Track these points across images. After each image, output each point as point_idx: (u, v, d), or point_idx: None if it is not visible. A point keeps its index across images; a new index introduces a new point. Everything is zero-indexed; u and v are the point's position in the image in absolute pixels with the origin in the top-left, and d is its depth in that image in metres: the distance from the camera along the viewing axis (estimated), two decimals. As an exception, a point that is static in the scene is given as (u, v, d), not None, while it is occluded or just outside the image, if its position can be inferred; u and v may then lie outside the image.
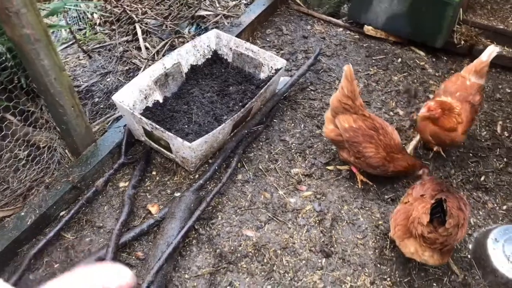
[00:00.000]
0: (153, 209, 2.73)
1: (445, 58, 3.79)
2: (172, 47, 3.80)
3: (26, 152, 2.81)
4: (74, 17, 4.06)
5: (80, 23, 4.13)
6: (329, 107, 2.76)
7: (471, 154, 3.00)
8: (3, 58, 2.47)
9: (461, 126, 2.64)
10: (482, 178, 2.84)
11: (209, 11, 4.24)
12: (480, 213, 2.67)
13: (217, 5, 4.38)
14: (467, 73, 2.82)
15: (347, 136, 2.63)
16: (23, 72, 2.56)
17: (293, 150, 3.07)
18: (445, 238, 2.02)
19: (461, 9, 3.68)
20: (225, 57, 3.57)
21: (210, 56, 3.56)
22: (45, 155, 2.83)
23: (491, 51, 2.78)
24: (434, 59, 3.78)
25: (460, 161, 2.96)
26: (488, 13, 3.85)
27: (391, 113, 3.28)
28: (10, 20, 2.08)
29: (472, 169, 2.91)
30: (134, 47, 3.84)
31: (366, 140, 2.59)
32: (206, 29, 3.98)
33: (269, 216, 2.65)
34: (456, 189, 2.79)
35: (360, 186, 2.79)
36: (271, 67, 3.36)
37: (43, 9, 2.97)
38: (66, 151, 2.93)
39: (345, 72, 2.57)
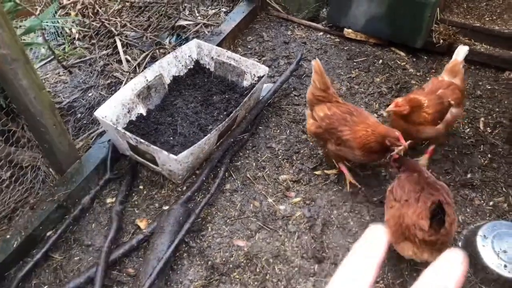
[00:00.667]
0: (142, 224, 2.69)
1: (425, 57, 3.84)
2: (154, 59, 3.78)
3: (8, 173, 2.75)
4: (52, 32, 4.01)
5: (58, 38, 4.08)
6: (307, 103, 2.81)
7: (456, 152, 3.03)
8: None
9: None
10: (468, 176, 2.88)
11: (188, 20, 4.22)
12: (468, 210, 2.70)
13: (197, 14, 4.37)
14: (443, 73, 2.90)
15: (324, 125, 2.65)
16: (1, 92, 2.52)
17: (280, 157, 3.07)
18: (445, 237, 2.05)
19: (438, 9, 3.73)
20: (207, 67, 3.57)
21: (192, 66, 3.55)
22: (28, 175, 2.78)
23: (458, 50, 2.90)
24: (414, 59, 3.82)
25: (445, 159, 2.99)
26: (465, 11, 3.91)
27: (375, 115, 3.30)
28: (-14, 41, 2.05)
29: (457, 166, 2.94)
30: (115, 60, 3.80)
31: (341, 124, 2.58)
32: (187, 39, 3.97)
33: (259, 225, 2.64)
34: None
35: (348, 190, 2.80)
36: (254, 74, 3.36)
37: (19, 27, 2.92)
38: (50, 169, 2.88)
39: (314, 66, 2.69)
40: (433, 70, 3.71)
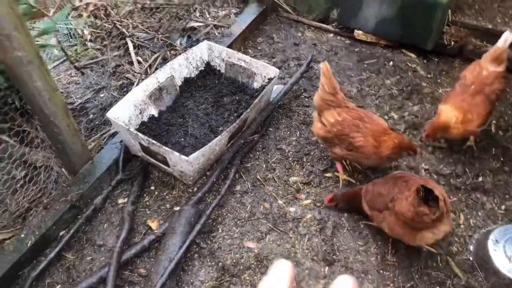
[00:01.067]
0: (153, 224, 2.72)
1: (436, 59, 3.82)
2: (165, 60, 3.81)
3: (23, 173, 2.79)
4: (64, 34, 4.05)
5: (71, 39, 4.12)
6: (315, 106, 2.81)
7: (467, 155, 3.02)
8: (-4, 80, 2.46)
9: (473, 122, 2.73)
10: (480, 179, 2.86)
11: (199, 22, 4.24)
12: (480, 214, 2.68)
13: (207, 16, 4.39)
14: (484, 62, 2.85)
15: (334, 131, 2.65)
16: (16, 93, 2.55)
17: (290, 158, 3.07)
18: (447, 205, 2.10)
19: (449, 11, 3.71)
20: (218, 68, 3.58)
21: (203, 68, 3.57)
22: (42, 175, 2.81)
23: (506, 36, 2.83)
24: (425, 61, 3.81)
25: (456, 162, 2.98)
26: (476, 13, 3.88)
27: (386, 117, 3.29)
28: (2, 43, 2.08)
29: (468, 170, 2.92)
30: (126, 61, 3.83)
31: (353, 130, 2.60)
32: (198, 41, 3.99)
33: (270, 227, 2.65)
34: (455, 190, 2.82)
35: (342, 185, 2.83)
36: (264, 76, 3.37)
37: (33, 29, 2.96)
38: (63, 169, 2.91)
39: (322, 70, 2.65)
40: (444, 72, 3.69)
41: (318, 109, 2.78)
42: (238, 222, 2.70)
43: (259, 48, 4.08)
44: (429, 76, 3.66)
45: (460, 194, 2.79)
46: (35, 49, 2.21)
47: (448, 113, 2.74)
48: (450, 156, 3.03)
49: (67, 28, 3.82)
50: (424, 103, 3.42)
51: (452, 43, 3.74)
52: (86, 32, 4.03)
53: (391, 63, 3.80)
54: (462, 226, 2.63)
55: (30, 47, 2.17)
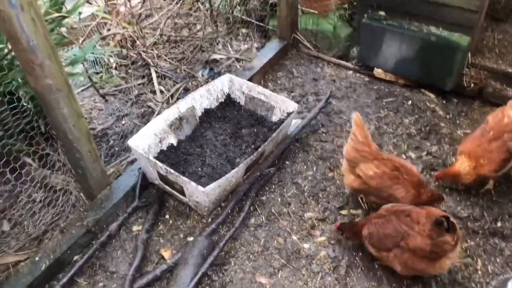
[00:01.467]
0: (166, 254, 2.72)
1: (455, 100, 3.82)
2: (187, 91, 3.90)
3: (42, 195, 2.84)
4: (91, 61, 4.19)
5: (96, 66, 4.26)
6: (344, 159, 2.80)
7: (486, 198, 2.97)
8: (26, 106, 2.56)
9: (485, 167, 2.79)
10: (498, 224, 2.81)
11: (222, 55, 4.35)
12: (498, 260, 2.62)
13: (230, 49, 4.50)
14: (508, 109, 2.88)
15: (374, 183, 2.65)
16: (43, 119, 2.64)
17: (306, 193, 3.07)
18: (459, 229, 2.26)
19: (469, 53, 3.74)
20: (238, 101, 3.65)
21: (223, 100, 3.64)
22: (60, 198, 2.87)
23: None
24: (444, 101, 3.81)
25: (474, 205, 2.94)
26: (497, 56, 3.90)
27: (403, 156, 3.29)
28: (34, 71, 2.17)
29: (486, 214, 2.88)
30: (149, 90, 3.94)
31: (394, 183, 2.63)
32: (219, 73, 4.08)
33: (283, 262, 2.63)
34: (472, 234, 2.77)
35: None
36: (283, 110, 3.42)
37: (64, 58, 3.08)
38: (81, 194, 2.96)
39: (354, 120, 2.66)
40: (463, 113, 3.69)
41: (352, 161, 2.73)
42: (251, 256, 2.69)
43: (279, 82, 4.15)
44: (448, 116, 3.66)
45: (477, 239, 2.74)
46: (65, 78, 2.29)
47: (463, 163, 2.82)
48: (467, 198, 2.99)
49: (94, 56, 3.95)
50: (442, 143, 3.41)
51: (472, 85, 3.75)
52: (111, 60, 4.16)
53: (409, 102, 3.82)
54: (479, 272, 2.57)
55: (60, 76, 2.26)
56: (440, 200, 2.66)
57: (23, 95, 2.58)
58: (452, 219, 2.21)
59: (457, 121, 3.62)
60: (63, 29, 2.94)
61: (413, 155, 3.31)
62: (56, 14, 2.66)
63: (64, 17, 2.79)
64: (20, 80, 2.54)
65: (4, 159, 2.53)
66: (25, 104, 2.57)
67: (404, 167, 2.66)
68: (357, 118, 2.66)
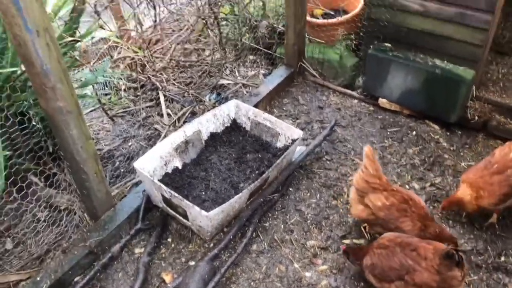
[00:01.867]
0: (167, 277, 2.72)
1: (460, 132, 3.84)
2: (193, 114, 3.95)
3: (47, 215, 2.86)
4: (100, 82, 4.28)
5: (106, 88, 4.34)
6: (352, 188, 2.82)
7: (489, 232, 2.96)
8: (36, 126, 2.61)
9: (484, 199, 2.81)
10: (502, 259, 2.79)
11: (229, 80, 4.43)
12: (501, 295, 2.60)
13: (237, 74, 4.58)
14: None
15: (382, 215, 2.66)
16: (52, 139, 2.68)
17: (309, 221, 3.07)
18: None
19: (474, 86, 3.78)
20: (243, 126, 3.69)
21: (229, 125, 3.69)
22: (64, 218, 2.88)
23: None
24: (448, 133, 3.84)
25: (478, 238, 2.92)
26: (501, 90, 3.94)
27: (407, 187, 3.29)
28: (46, 94, 2.23)
29: (490, 248, 2.86)
30: (156, 113, 3.99)
31: (402, 215, 2.64)
32: (227, 98, 4.15)
33: (284, 291, 2.62)
34: (475, 268, 2.75)
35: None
36: (288, 136, 3.45)
37: (75, 80, 3.15)
38: (85, 214, 2.98)
39: (366, 153, 2.70)
40: (467, 146, 3.70)
41: (361, 191, 2.76)
42: (252, 283, 2.68)
43: (284, 108, 4.20)
44: (452, 148, 3.68)
45: (481, 273, 2.72)
46: (75, 100, 2.35)
47: (465, 190, 2.85)
48: (471, 231, 2.98)
49: (104, 78, 4.03)
50: (446, 175, 3.42)
51: (476, 117, 3.78)
52: (121, 83, 4.24)
53: (414, 132, 3.84)
54: (483, 307, 2.54)
55: (71, 98, 2.32)
56: (451, 242, 2.58)
57: (34, 115, 2.64)
58: (460, 252, 2.21)
59: (461, 153, 3.63)
60: (76, 53, 3.02)
61: (416, 186, 3.32)
62: (70, 39, 2.73)
63: (77, 41, 2.86)
64: (31, 101, 2.60)
65: (12, 178, 2.56)
66: (35, 124, 2.62)
67: (413, 199, 2.68)
68: (368, 151, 2.70)
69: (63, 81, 2.25)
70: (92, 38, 3.65)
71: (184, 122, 3.85)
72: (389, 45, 4.06)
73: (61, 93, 2.25)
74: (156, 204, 3.08)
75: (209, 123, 3.54)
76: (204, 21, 4.47)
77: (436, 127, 3.90)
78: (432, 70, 3.73)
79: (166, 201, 2.90)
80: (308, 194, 3.29)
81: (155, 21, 4.36)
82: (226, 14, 4.92)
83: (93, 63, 3.67)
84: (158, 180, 2.98)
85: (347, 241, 2.91)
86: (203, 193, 3.11)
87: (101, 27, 3.49)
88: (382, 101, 4.12)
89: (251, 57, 4.86)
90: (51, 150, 2.74)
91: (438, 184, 3.34)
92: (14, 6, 1.96)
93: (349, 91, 4.39)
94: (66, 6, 2.90)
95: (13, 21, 2.00)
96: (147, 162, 3.05)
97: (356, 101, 4.31)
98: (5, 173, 2.49)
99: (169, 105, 4.06)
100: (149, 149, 3.21)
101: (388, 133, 3.86)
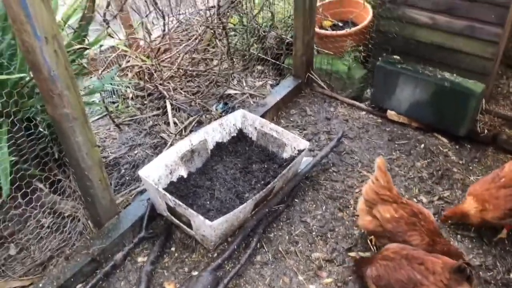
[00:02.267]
0: (170, 287, 2.68)
1: (469, 146, 3.79)
2: (200, 124, 3.95)
3: (51, 221, 2.86)
4: (108, 90, 4.30)
5: (113, 96, 4.36)
6: (361, 199, 2.79)
7: (499, 247, 2.90)
8: (42, 132, 2.61)
9: (489, 212, 2.78)
10: (511, 275, 2.73)
11: (236, 90, 4.43)
12: (511, 314, 2.53)
13: (244, 84, 4.58)
14: None
15: (390, 227, 2.63)
16: (58, 145, 2.69)
17: (314, 233, 3.03)
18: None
19: (484, 100, 3.75)
20: (250, 136, 3.68)
21: (235, 134, 3.67)
22: (68, 225, 2.88)
23: None
24: (457, 147, 3.79)
25: (487, 254, 2.86)
26: (511, 104, 3.90)
27: (414, 200, 3.24)
28: (53, 100, 2.23)
29: (499, 264, 2.80)
30: (163, 121, 4.00)
31: (410, 229, 2.60)
32: (233, 108, 4.14)
33: (287, 303, 2.57)
34: (484, 284, 2.68)
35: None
36: (294, 147, 3.43)
37: (83, 88, 3.17)
38: (89, 222, 2.97)
39: (378, 164, 2.68)
40: (477, 160, 3.66)
41: (370, 202, 2.73)
42: (255, 294, 2.64)
43: (291, 119, 4.18)
44: (460, 162, 3.63)
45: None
46: (81, 107, 2.35)
47: (471, 203, 2.83)
48: (480, 246, 2.92)
49: (111, 86, 4.06)
50: (454, 189, 3.37)
51: (486, 131, 3.74)
52: (128, 91, 4.26)
53: (422, 145, 3.80)
54: (491, 325, 2.48)
55: (77, 105, 2.32)
56: (458, 257, 2.53)
57: (41, 121, 2.65)
58: (470, 266, 2.18)
59: (470, 167, 3.58)
60: (84, 60, 3.04)
61: (424, 199, 3.27)
62: (78, 46, 2.75)
63: (86, 49, 2.88)
64: (39, 107, 2.61)
65: (17, 184, 2.56)
66: (41, 130, 2.63)
67: (422, 213, 2.65)
68: (380, 163, 2.68)
69: (70, 88, 2.26)
70: (101, 46, 3.68)
71: (191, 131, 3.85)
72: (398, 57, 4.05)
73: (68, 100, 2.26)
74: (161, 213, 3.06)
75: (215, 132, 3.53)
76: (212, 31, 4.50)
77: (445, 140, 3.86)
78: (441, 83, 3.70)
79: (171, 209, 2.88)
80: (314, 205, 3.26)
81: (164, 30, 4.41)
82: (234, 25, 4.95)
83: (101, 71, 3.69)
84: (163, 189, 2.96)
85: (352, 254, 2.87)
86: (208, 202, 3.09)
87: (110, 35, 3.52)
88: (390, 113, 4.09)
89: (259, 67, 4.87)
90: (56, 156, 2.75)
91: (446, 198, 3.29)
92: (23, 12, 1.98)
93: (357, 103, 4.36)
94: (75, 15, 2.93)
95: (22, 28, 2.02)
96: (152, 171, 3.04)
97: (364, 113, 4.29)
98: (10, 178, 2.50)
99: (175, 114, 4.06)
100: (154, 158, 3.20)
101: (396, 145, 3.82)
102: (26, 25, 2.01)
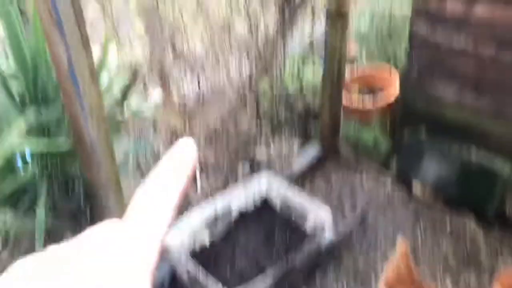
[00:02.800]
0: None
1: (498, 228, 3.70)
2: (226, 185, 4.00)
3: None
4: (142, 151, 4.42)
5: (146, 154, 4.48)
6: (381, 279, 2.74)
7: None
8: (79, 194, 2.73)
9: None
10: None
11: (263, 153, 4.50)
12: None
13: (271, 148, 4.66)
14: None
15: None
16: (91, 208, 2.79)
17: (334, 313, 2.96)
18: None
19: (512, 181, 3.70)
20: (274, 201, 3.69)
21: (259, 201, 3.70)
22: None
23: None
24: (486, 229, 3.70)
25: None
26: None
27: (439, 285, 3.15)
28: (91, 168, 2.34)
29: None
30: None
31: None
32: (259, 171, 4.20)
33: None
34: None
35: None
36: (317, 218, 3.42)
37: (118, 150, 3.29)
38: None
39: (399, 246, 2.66)
40: (506, 244, 3.55)
41: (390, 283, 2.67)
42: None
43: (315, 188, 4.20)
44: (489, 246, 3.53)
45: None
46: (116, 176, 2.45)
47: None
48: None
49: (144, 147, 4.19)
50: (481, 274, 3.26)
51: (515, 214, 3.66)
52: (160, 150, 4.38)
53: (448, 226, 3.73)
54: None
55: (113, 175, 2.42)
56: None
57: (78, 184, 2.76)
58: None
59: (499, 252, 3.48)
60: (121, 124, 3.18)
61: (450, 285, 3.18)
62: (120, 120, 2.90)
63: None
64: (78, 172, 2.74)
65: (49, 236, 2.63)
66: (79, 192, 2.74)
67: None
68: (401, 245, 2.65)
69: (107, 157, 2.37)
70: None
71: (216, 194, 3.89)
72: (424, 133, 4.07)
73: (105, 169, 2.37)
74: (180, 280, 3.06)
75: (239, 198, 3.57)
76: (243, 95, 4.65)
77: (472, 221, 3.78)
78: (468, 161, 3.69)
79: (190, 278, 2.88)
80: (335, 281, 3.20)
81: (198, 93, 4.59)
82: (264, 91, 5.11)
83: (137, 134, 3.84)
84: (185, 256, 2.98)
85: None
86: (228, 273, 3.08)
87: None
88: (416, 189, 4.07)
89: (286, 132, 4.96)
90: (88, 217, 2.83)
91: (473, 284, 3.18)
92: (73, 87, 2.13)
93: (382, 176, 4.36)
94: (117, 83, 3.11)
95: (70, 102, 2.17)
96: (175, 237, 3.08)
97: (389, 185, 4.26)
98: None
99: (201, 175, 4.13)
100: (178, 222, 3.24)
101: (421, 223, 3.77)
102: (74, 99, 2.15)
